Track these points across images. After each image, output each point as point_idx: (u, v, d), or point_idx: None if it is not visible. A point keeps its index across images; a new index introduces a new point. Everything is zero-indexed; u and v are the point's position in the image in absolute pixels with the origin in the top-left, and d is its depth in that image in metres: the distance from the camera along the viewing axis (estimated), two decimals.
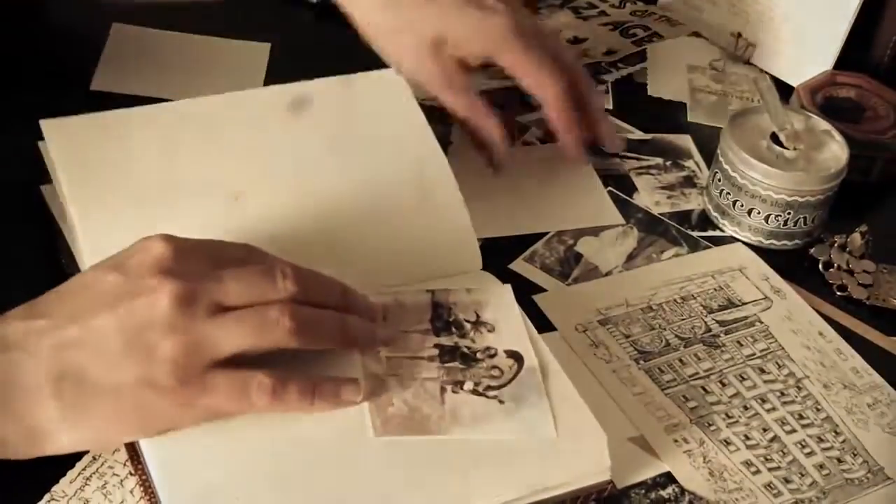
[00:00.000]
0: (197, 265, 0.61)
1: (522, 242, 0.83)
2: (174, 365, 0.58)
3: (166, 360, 0.58)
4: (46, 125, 0.74)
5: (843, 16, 0.98)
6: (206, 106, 0.78)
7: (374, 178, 0.77)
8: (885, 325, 0.81)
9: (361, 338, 0.65)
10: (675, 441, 0.71)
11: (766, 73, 1.03)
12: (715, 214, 0.88)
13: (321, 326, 0.63)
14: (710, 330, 0.78)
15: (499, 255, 0.79)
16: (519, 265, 0.81)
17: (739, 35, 1.05)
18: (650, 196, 0.90)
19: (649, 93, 1.01)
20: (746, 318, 0.80)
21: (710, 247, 0.85)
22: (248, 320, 0.60)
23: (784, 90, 1.02)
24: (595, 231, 0.85)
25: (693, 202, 0.90)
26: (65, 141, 0.74)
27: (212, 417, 0.61)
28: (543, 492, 0.63)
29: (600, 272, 0.82)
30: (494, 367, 0.68)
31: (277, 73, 0.93)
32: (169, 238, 0.61)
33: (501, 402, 0.66)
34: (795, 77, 1.00)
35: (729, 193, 0.85)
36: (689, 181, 0.92)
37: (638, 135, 0.95)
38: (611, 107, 0.98)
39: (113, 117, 0.76)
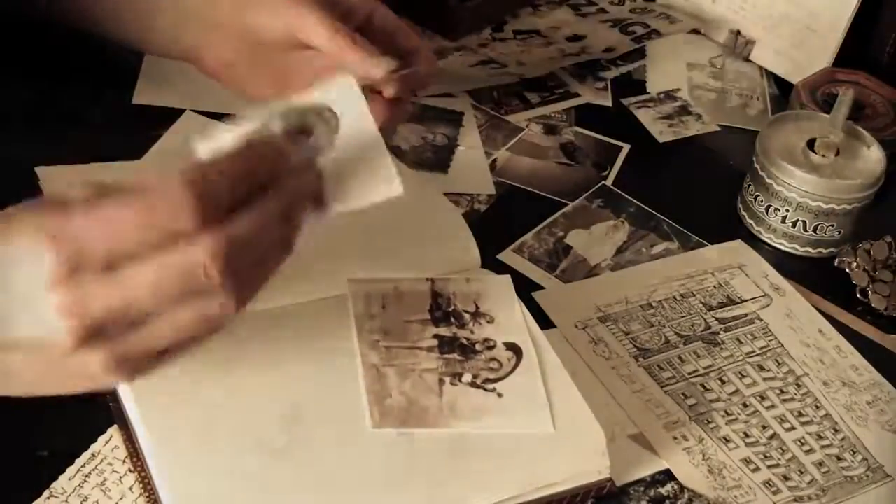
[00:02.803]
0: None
1: (511, 232, 0.83)
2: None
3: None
4: (42, 172, 0.74)
5: (843, 12, 0.98)
6: None
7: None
8: (884, 322, 0.81)
9: (309, 200, 0.51)
10: (675, 438, 0.71)
11: (766, 69, 1.04)
12: (749, 221, 0.87)
13: (261, 255, 0.48)
14: (709, 327, 0.78)
15: (487, 246, 0.77)
16: (507, 255, 0.81)
17: (739, 32, 1.05)
18: (654, 126, 0.96)
19: (648, 90, 1.01)
20: (746, 315, 0.80)
21: (703, 243, 0.85)
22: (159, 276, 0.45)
23: (783, 87, 1.02)
24: (585, 224, 0.85)
25: (692, 128, 0.97)
26: (59, 187, 0.74)
27: None
28: (543, 489, 0.63)
29: (589, 265, 0.82)
30: (493, 359, 0.68)
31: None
32: None
33: (500, 395, 0.66)
34: (795, 74, 1.00)
35: (762, 199, 0.85)
36: (685, 110, 0.99)
37: None
38: (610, 104, 0.98)
39: (102, 168, 0.76)
